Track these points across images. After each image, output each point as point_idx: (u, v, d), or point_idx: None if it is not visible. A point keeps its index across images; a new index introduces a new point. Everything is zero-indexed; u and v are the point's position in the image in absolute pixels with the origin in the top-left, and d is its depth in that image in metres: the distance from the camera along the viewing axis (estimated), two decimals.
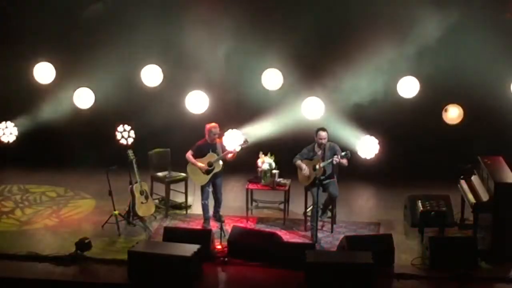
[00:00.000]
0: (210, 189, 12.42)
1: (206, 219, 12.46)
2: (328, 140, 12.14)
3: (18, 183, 14.11)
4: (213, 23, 14.34)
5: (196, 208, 13.04)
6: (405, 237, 12.10)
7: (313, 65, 14.37)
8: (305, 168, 12.08)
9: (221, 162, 12.33)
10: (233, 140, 12.94)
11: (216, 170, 12.30)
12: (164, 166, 13.39)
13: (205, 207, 12.44)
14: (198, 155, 12.38)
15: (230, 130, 13.33)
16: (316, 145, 12.15)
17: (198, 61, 14.53)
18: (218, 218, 12.12)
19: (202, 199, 12.45)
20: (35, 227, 12.37)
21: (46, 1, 14.66)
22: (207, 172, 12.31)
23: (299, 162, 12.17)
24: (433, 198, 12.21)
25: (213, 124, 12.43)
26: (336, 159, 11.83)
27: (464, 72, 13.99)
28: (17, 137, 15.08)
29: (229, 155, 12.30)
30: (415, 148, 14.45)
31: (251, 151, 12.84)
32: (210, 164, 12.28)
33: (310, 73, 14.39)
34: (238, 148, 12.36)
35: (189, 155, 12.41)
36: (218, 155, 12.29)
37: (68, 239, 11.77)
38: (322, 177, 11.99)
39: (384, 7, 13.96)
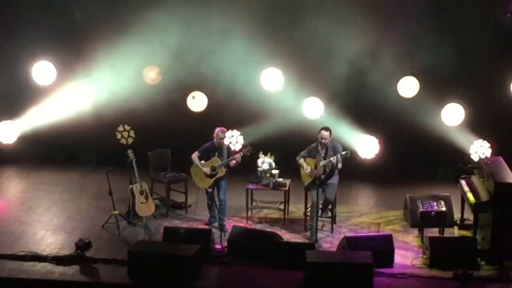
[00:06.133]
0: (213, 190, 12.40)
1: (211, 217, 12.47)
2: (332, 140, 12.13)
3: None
4: (213, 22, 14.36)
5: (196, 208, 13.04)
6: (405, 237, 12.11)
7: (312, 66, 14.39)
8: (307, 167, 12.08)
9: (224, 168, 12.31)
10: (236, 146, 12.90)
11: (219, 175, 12.28)
12: (164, 166, 13.39)
13: (210, 207, 12.46)
14: (204, 157, 12.37)
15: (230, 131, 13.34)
16: (319, 144, 12.15)
17: (198, 61, 14.52)
18: (220, 227, 11.99)
19: (207, 199, 12.46)
20: None
21: (46, 1, 14.67)
22: (210, 176, 12.29)
23: (301, 160, 12.18)
24: (433, 198, 12.22)
25: (221, 128, 12.41)
26: (333, 159, 11.83)
27: (464, 72, 14.00)
28: (17, 137, 15.08)
29: (233, 162, 12.28)
30: (415, 148, 14.45)
31: (252, 151, 12.82)
32: (213, 169, 12.27)
33: (310, 73, 14.39)
34: (239, 158, 12.29)
35: (195, 156, 12.39)
36: (223, 159, 12.27)
37: (68, 239, 11.77)
38: (323, 177, 11.99)
39: None
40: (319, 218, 12.09)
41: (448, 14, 13.94)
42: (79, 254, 11.17)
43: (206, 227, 12.22)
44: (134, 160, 12.39)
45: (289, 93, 14.55)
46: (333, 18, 13.86)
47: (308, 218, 12.19)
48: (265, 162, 12.70)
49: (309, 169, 12.05)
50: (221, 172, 12.27)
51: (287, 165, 12.64)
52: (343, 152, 11.89)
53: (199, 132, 13.42)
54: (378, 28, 13.95)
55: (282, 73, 14.51)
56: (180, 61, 14.58)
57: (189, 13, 14.26)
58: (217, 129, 12.39)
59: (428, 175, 14.09)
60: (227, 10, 14.18)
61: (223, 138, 12.37)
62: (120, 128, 14.18)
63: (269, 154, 12.81)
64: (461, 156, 13.72)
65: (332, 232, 12.27)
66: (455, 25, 13.91)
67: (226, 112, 14.39)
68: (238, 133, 13.50)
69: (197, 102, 14.64)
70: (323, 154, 12.04)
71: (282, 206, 12.90)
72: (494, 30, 13.97)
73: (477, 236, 11.51)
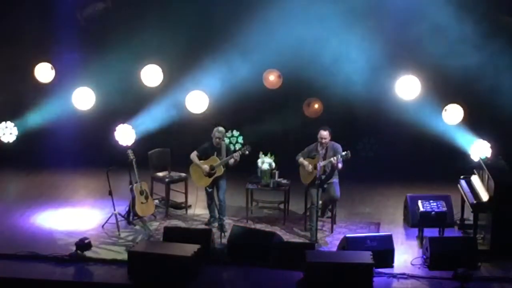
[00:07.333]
0: (213, 190, 12.40)
1: (211, 217, 12.48)
2: (331, 140, 12.12)
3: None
4: (212, 22, 14.38)
5: (196, 208, 13.03)
6: (405, 237, 12.11)
7: (312, 66, 14.39)
8: (307, 165, 12.07)
9: (222, 167, 12.31)
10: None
11: (218, 174, 12.28)
12: (164, 166, 13.38)
13: (209, 207, 12.47)
14: (203, 156, 12.37)
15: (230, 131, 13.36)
16: (319, 144, 12.14)
17: (198, 61, 14.52)
18: (220, 227, 11.93)
19: (206, 199, 12.48)
20: None
21: (47, 1, 14.68)
22: (209, 175, 12.29)
23: (301, 159, 12.18)
24: (433, 198, 12.21)
25: (218, 127, 12.41)
26: (333, 159, 11.82)
27: (464, 72, 14.00)
28: (17, 137, 15.09)
29: (231, 161, 12.26)
30: (415, 148, 14.45)
31: (251, 151, 12.83)
32: (212, 168, 12.26)
33: (310, 73, 14.39)
34: (238, 157, 12.27)
35: (194, 155, 12.38)
36: (221, 158, 12.26)
37: (68, 239, 11.77)
38: (323, 177, 11.98)
39: None
40: (320, 218, 12.09)
41: (448, 14, 13.93)
42: (79, 254, 11.17)
43: (206, 227, 12.23)
44: (134, 160, 12.39)
45: (290, 93, 14.57)
46: (334, 17, 13.89)
47: (308, 218, 12.18)
48: (265, 162, 12.69)
49: (310, 167, 12.02)
50: (220, 171, 12.27)
51: (287, 165, 12.63)
52: (343, 153, 11.87)
53: (199, 132, 13.42)
54: (378, 28, 13.98)
55: (282, 73, 14.51)
56: (180, 61, 14.60)
57: (189, 12, 14.28)
58: (215, 129, 12.40)
59: (428, 175, 14.08)
60: (226, 9, 14.22)
61: (220, 137, 12.36)
62: (120, 128, 14.22)
63: (269, 154, 12.80)
64: (461, 156, 13.74)
65: (332, 232, 12.27)
66: (455, 24, 13.90)
67: (226, 112, 14.40)
68: (238, 133, 13.52)
69: (197, 102, 14.65)
70: (322, 155, 12.04)
71: (282, 206, 12.91)
72: (493, 29, 13.98)
73: (477, 236, 11.51)
